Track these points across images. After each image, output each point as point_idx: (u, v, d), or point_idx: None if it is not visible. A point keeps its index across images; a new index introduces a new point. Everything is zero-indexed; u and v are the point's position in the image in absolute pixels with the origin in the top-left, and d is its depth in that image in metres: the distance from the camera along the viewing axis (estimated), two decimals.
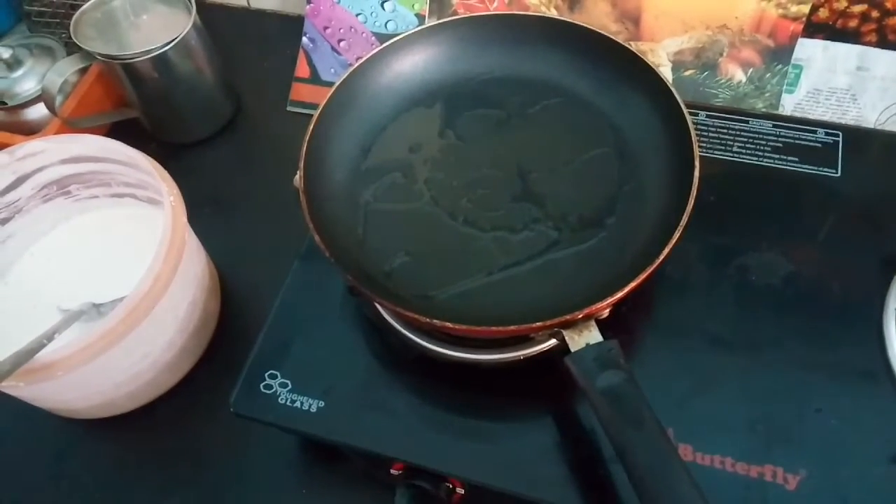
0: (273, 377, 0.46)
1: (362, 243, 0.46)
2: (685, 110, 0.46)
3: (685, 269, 0.48)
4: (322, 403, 0.45)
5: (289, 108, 0.72)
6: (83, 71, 0.68)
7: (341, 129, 0.50)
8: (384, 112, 0.52)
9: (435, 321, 0.39)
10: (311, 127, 0.47)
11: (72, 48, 0.67)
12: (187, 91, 0.67)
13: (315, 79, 0.72)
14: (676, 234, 0.40)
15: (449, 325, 0.38)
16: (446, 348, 0.45)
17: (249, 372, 0.46)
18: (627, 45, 0.51)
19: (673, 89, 0.47)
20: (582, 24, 0.53)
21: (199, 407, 0.55)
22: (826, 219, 0.50)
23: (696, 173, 0.42)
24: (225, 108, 0.72)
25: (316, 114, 0.48)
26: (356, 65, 0.50)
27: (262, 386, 0.46)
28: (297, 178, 0.44)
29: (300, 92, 0.72)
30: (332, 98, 0.49)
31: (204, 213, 0.62)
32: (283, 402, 0.45)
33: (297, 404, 0.45)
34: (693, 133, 0.44)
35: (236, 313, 0.59)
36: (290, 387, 0.46)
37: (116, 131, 0.70)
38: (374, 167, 0.50)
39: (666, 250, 0.40)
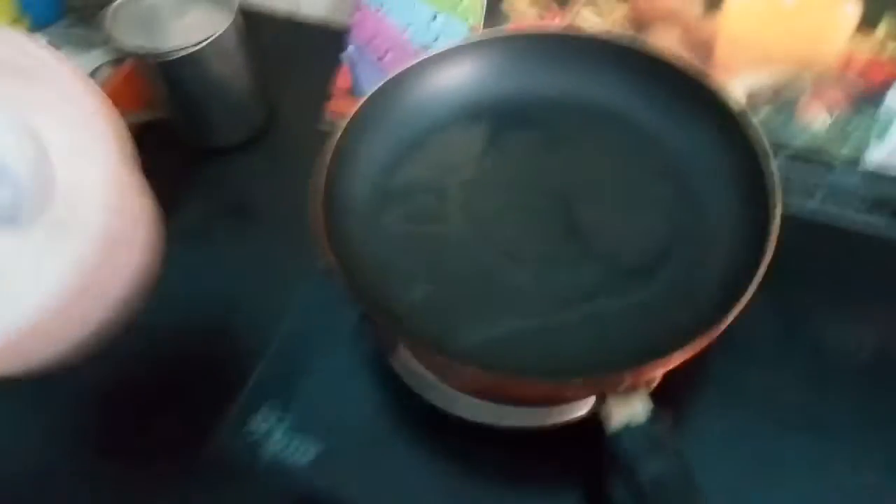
0: (271, 412, 0.41)
1: (384, 269, 0.41)
2: (769, 152, 0.39)
3: (751, 333, 0.41)
4: (318, 451, 0.39)
5: (325, 121, 0.68)
6: (115, 64, 0.65)
7: (371, 141, 0.45)
8: (421, 126, 0.47)
9: (456, 365, 0.33)
10: (339, 135, 0.42)
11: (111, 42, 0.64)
12: (220, 94, 0.64)
13: (357, 91, 0.68)
14: (746, 296, 0.34)
15: (473, 370, 0.32)
16: (464, 407, 0.39)
17: (243, 404, 0.41)
18: (703, 74, 0.45)
19: (758, 129, 0.41)
20: (652, 47, 0.47)
21: None
22: None
23: (775, 225, 0.36)
24: (258, 116, 0.68)
25: (344, 122, 0.43)
26: (393, 73, 0.46)
27: (255, 421, 0.41)
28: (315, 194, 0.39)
29: (339, 105, 0.68)
30: (365, 107, 0.44)
31: (225, 223, 0.58)
32: (274, 448, 0.40)
33: (290, 450, 0.40)
34: (776, 180, 0.38)
35: (241, 335, 0.54)
36: (287, 424, 0.40)
37: (144, 132, 0.67)
38: (404, 186, 0.45)
39: (732, 313, 0.34)
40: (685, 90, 0.45)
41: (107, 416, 0.47)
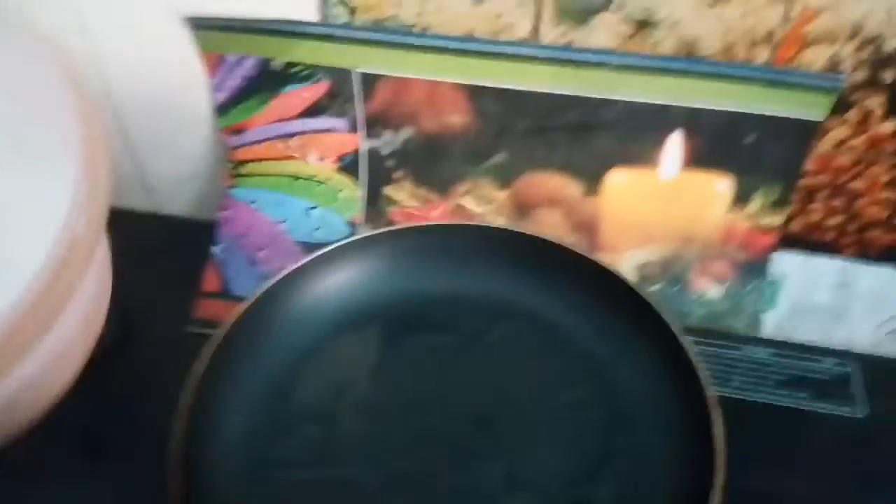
0: None
1: None
2: (682, 339, 0.37)
3: None
4: None
5: (190, 329, 0.60)
6: None
7: (244, 364, 0.39)
8: (303, 341, 0.42)
9: None
10: (204, 361, 0.36)
11: None
12: None
13: (226, 293, 0.61)
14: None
15: None
16: None
17: None
18: (594, 258, 0.43)
19: (662, 312, 0.38)
20: (537, 234, 0.46)
21: None
22: (857, 473, 0.40)
23: (719, 431, 0.32)
24: (109, 330, 0.60)
25: (214, 341, 0.36)
26: (269, 283, 0.40)
27: None
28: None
29: (208, 309, 0.61)
30: (237, 324, 0.38)
31: (70, 469, 0.48)
32: None
33: None
34: (701, 371, 0.35)
35: None
36: None
37: None
38: (283, 418, 0.38)
39: None
40: (577, 273, 0.43)
41: None
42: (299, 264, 0.42)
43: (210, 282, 0.62)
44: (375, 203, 0.60)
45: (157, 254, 0.67)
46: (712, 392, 0.34)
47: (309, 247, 0.61)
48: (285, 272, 0.41)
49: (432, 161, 0.57)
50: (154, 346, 0.60)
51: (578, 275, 0.44)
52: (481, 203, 0.58)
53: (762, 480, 0.40)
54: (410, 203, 0.58)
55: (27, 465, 0.48)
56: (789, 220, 0.55)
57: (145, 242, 0.68)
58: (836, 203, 0.54)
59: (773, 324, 0.56)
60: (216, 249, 0.62)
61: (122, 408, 0.55)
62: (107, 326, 0.59)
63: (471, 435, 0.37)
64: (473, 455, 0.36)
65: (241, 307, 0.39)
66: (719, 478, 0.31)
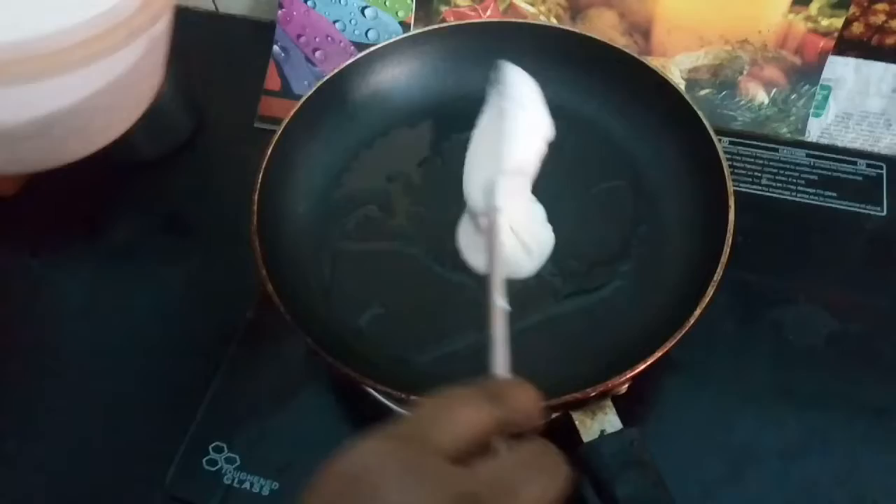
0: (219, 450, 0.38)
1: (328, 292, 0.39)
2: (715, 139, 0.39)
3: (711, 325, 0.40)
4: (276, 485, 0.37)
5: (256, 125, 0.64)
6: None
7: (307, 151, 0.43)
8: (359, 133, 0.45)
9: (412, 397, 0.31)
10: (271, 149, 0.40)
11: None
12: None
13: (287, 92, 0.64)
14: (709, 292, 0.33)
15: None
16: None
17: (190, 444, 0.38)
18: (643, 60, 0.44)
19: (700, 114, 0.40)
20: (589, 34, 0.46)
21: None
22: (875, 265, 0.43)
23: (731, 216, 0.35)
24: (183, 124, 0.64)
25: (277, 133, 0.40)
26: (327, 76, 0.43)
27: (204, 461, 0.38)
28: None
29: (270, 106, 0.65)
30: (297, 115, 0.42)
31: (157, 243, 0.54)
32: (230, 482, 0.37)
33: (247, 486, 0.37)
34: (726, 166, 0.37)
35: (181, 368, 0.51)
36: (238, 463, 0.38)
37: None
38: (344, 198, 0.42)
39: (697, 311, 0.33)
40: (631, 81, 0.44)
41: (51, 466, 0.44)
42: (352, 60, 0.44)
43: (272, 81, 0.64)
44: (427, 2, 0.60)
45: (223, 53, 0.70)
46: (731, 186, 0.36)
47: (363, 47, 0.62)
48: (340, 67, 0.44)
49: None
50: (225, 140, 0.65)
51: (625, 76, 0.44)
52: (535, 2, 0.58)
53: (770, 273, 0.44)
54: (462, 1, 0.58)
55: (122, 243, 0.55)
56: (849, 23, 0.53)
57: (211, 42, 0.71)
58: None
59: (819, 129, 0.57)
60: (275, 50, 0.64)
61: (198, 194, 0.61)
62: (182, 120, 0.64)
63: None
64: None
65: (305, 96, 0.41)
66: (723, 259, 0.34)
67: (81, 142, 0.44)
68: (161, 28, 0.41)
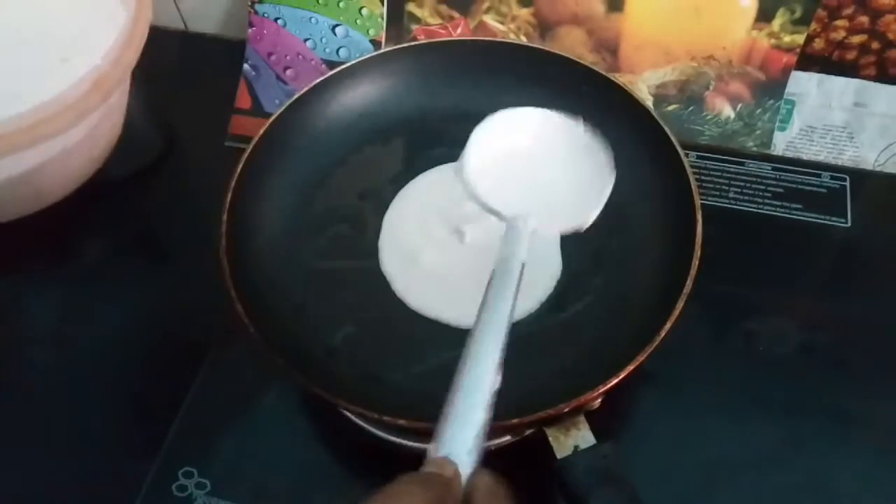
0: (189, 476, 0.37)
1: (300, 311, 0.38)
2: (682, 153, 0.39)
3: (683, 337, 0.41)
4: None
5: (227, 144, 0.64)
6: None
7: (278, 169, 0.42)
8: (331, 151, 0.45)
9: (385, 418, 0.31)
10: (240, 168, 0.39)
11: None
12: None
13: (258, 111, 0.64)
14: (679, 305, 0.33)
15: (403, 422, 0.30)
16: (408, 438, 0.37)
17: (159, 469, 0.38)
18: (611, 77, 0.44)
19: (666, 129, 0.40)
20: (557, 52, 0.47)
21: None
22: (841, 276, 0.44)
23: (699, 229, 0.35)
24: (154, 144, 0.63)
25: (246, 152, 0.40)
26: (297, 94, 0.43)
27: (174, 487, 0.37)
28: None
29: (241, 125, 0.64)
30: (267, 133, 0.42)
31: (127, 263, 0.54)
32: None
33: None
34: (693, 181, 0.38)
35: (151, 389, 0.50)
36: (209, 489, 0.37)
37: None
38: (317, 217, 0.42)
39: (668, 324, 0.33)
40: (599, 97, 0.44)
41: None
42: (323, 78, 0.44)
43: (242, 99, 0.64)
44: (398, 21, 0.60)
45: (193, 72, 0.69)
46: (698, 200, 0.37)
47: (334, 65, 0.62)
48: (310, 85, 0.44)
49: None
50: (196, 159, 0.64)
51: (593, 93, 0.45)
52: (505, 21, 0.59)
53: (740, 284, 0.44)
54: (433, 20, 0.59)
55: (92, 264, 0.54)
56: (810, 39, 0.54)
57: (181, 61, 0.70)
58: (862, 19, 0.53)
59: (784, 142, 0.58)
60: (245, 68, 0.64)
61: (170, 213, 0.61)
62: (153, 140, 0.63)
63: None
64: None
65: (276, 114, 0.41)
66: (692, 272, 0.34)
67: (33, 200, 0.45)
68: (116, 97, 0.41)
